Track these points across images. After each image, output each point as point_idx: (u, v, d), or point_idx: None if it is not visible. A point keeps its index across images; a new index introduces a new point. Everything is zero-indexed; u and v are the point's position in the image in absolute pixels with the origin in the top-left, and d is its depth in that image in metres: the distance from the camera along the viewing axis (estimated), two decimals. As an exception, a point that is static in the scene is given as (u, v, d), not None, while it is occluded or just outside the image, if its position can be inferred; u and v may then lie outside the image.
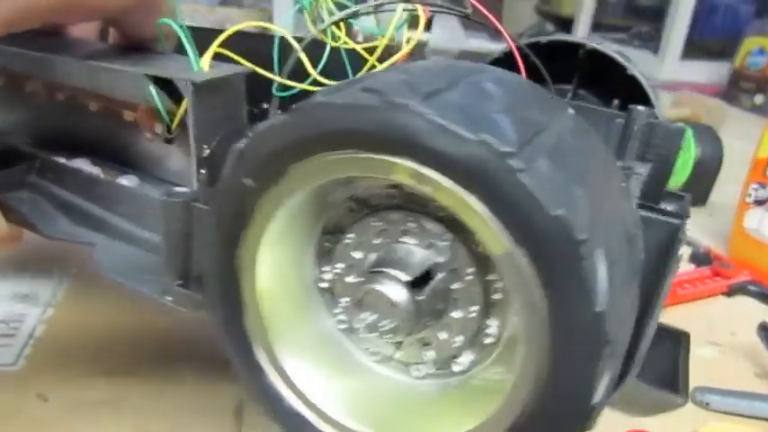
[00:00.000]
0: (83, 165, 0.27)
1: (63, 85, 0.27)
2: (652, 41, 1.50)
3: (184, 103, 0.22)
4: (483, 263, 0.17)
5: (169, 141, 0.25)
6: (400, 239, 0.17)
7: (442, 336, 0.17)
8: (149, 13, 0.25)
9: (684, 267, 0.50)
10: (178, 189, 0.20)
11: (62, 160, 0.26)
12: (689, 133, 0.62)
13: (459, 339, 0.17)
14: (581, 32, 1.75)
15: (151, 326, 0.36)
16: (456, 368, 0.18)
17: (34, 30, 0.22)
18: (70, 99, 0.27)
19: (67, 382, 0.31)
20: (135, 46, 0.26)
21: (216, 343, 0.20)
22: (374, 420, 0.17)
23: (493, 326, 0.17)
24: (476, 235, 0.15)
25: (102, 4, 0.24)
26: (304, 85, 0.22)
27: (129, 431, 0.29)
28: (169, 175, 0.26)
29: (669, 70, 1.37)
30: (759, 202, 0.50)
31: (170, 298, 0.21)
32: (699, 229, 0.57)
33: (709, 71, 1.34)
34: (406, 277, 0.16)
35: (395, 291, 0.16)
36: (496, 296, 0.17)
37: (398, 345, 0.18)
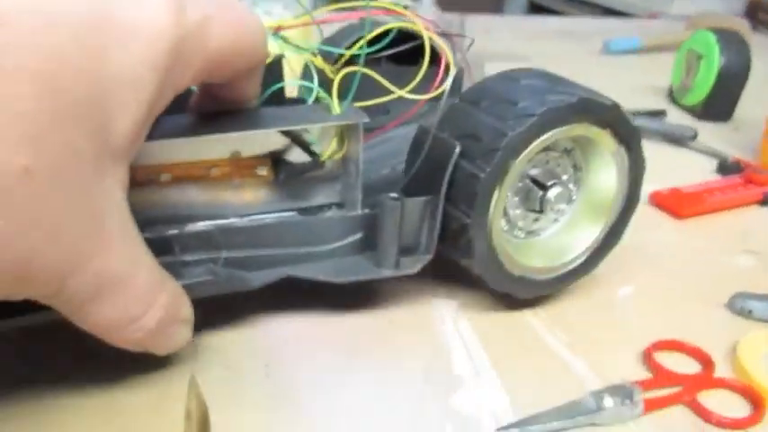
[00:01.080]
0: (227, 221, 0.28)
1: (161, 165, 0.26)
2: (662, -24, 1.41)
3: (333, 142, 0.28)
4: (578, 164, 0.31)
5: (300, 175, 0.28)
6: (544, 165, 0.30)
7: (561, 204, 0.30)
8: (260, 72, 0.25)
9: (711, 177, 0.45)
10: (391, 195, 0.27)
11: (205, 226, 0.27)
12: (711, 39, 0.56)
13: (564, 202, 0.30)
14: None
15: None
16: (561, 217, 0.32)
17: None
18: (158, 176, 0.27)
19: None
20: (225, 108, 0.25)
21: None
22: (538, 260, 0.30)
23: (575, 190, 0.31)
24: (596, 146, 0.29)
25: (248, 61, 0.23)
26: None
27: (79, 371, 0.25)
28: (278, 203, 0.29)
29: (681, 5, 1.29)
30: (796, 102, 0.44)
31: (389, 271, 0.28)
32: (724, 142, 0.51)
33: (722, 4, 1.26)
34: (561, 179, 0.30)
35: (558, 189, 0.29)
36: (579, 174, 0.31)
37: (537, 220, 0.31)
